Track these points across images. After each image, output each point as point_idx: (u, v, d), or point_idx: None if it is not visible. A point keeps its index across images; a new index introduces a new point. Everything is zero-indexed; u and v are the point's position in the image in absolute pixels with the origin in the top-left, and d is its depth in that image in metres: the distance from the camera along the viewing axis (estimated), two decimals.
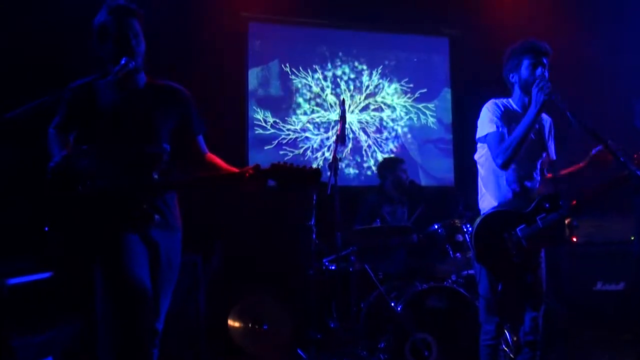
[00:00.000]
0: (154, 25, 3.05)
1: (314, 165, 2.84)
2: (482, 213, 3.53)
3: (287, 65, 6.50)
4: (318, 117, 6.55)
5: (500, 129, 3.40)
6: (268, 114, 6.38)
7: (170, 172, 2.91)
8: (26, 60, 4.93)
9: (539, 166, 3.57)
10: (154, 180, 2.78)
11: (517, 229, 3.36)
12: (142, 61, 2.92)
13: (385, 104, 6.81)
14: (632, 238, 5.77)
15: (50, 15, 4.95)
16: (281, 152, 6.29)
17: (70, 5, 4.59)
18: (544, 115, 3.61)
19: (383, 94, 6.81)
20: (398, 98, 6.86)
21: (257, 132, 6.31)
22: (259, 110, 6.36)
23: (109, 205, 2.70)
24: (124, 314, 2.60)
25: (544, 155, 3.55)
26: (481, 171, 3.61)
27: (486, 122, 3.47)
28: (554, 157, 3.62)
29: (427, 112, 6.95)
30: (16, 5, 5.00)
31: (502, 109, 3.47)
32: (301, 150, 6.45)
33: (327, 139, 6.55)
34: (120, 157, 2.79)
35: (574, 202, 3.37)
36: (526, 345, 3.45)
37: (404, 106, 6.87)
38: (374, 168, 6.56)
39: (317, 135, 6.51)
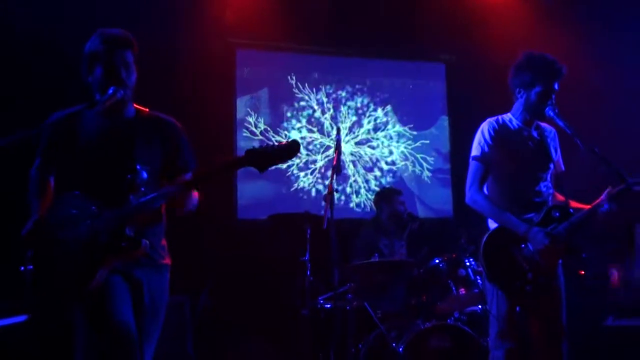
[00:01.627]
0: (141, 52, 2.98)
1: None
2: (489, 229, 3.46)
3: (277, 93, 6.46)
4: (309, 145, 6.48)
5: (483, 160, 3.39)
6: (256, 144, 6.28)
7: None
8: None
9: (548, 178, 3.53)
10: (132, 204, 2.69)
11: (528, 242, 3.28)
12: (132, 92, 2.90)
13: (380, 131, 6.80)
14: None
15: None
16: (272, 186, 6.19)
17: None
18: (546, 126, 3.58)
19: (378, 121, 6.80)
20: (394, 126, 6.84)
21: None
22: (247, 139, 6.31)
23: (92, 245, 2.65)
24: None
25: (551, 166, 3.50)
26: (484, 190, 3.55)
27: (476, 144, 3.48)
28: (563, 169, 3.59)
29: (424, 141, 6.93)
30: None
31: (498, 129, 3.44)
32: (294, 189, 6.37)
33: (318, 168, 6.47)
34: (99, 191, 2.74)
35: (594, 203, 3.32)
36: None
37: (401, 134, 6.85)
38: (368, 197, 6.52)
39: (307, 171, 6.44)
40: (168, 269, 2.94)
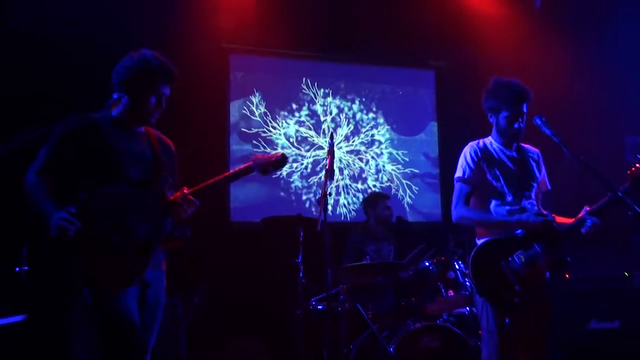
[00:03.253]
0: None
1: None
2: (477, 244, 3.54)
3: (270, 97, 6.54)
4: (301, 150, 6.61)
5: (467, 181, 3.52)
6: (249, 147, 6.40)
7: None
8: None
9: (532, 196, 3.61)
10: (168, 227, 2.98)
11: (515, 255, 3.37)
12: None
13: (370, 137, 6.90)
14: (627, 275, 5.88)
15: None
16: (264, 189, 6.31)
17: None
18: (529, 147, 3.72)
19: (369, 127, 6.90)
20: (384, 131, 6.94)
21: (238, 166, 6.29)
22: (240, 143, 6.39)
23: (125, 250, 2.84)
24: (117, 354, 2.74)
25: (535, 185, 3.61)
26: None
27: (459, 166, 3.62)
28: (549, 188, 3.71)
29: (414, 146, 7.04)
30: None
31: (479, 153, 3.58)
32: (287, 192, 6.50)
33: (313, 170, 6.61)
34: (142, 200, 2.95)
35: (579, 216, 3.39)
36: None
37: (390, 139, 6.95)
38: (357, 201, 6.64)
39: (297, 173, 6.58)
40: (165, 273, 3.14)
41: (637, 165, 3.37)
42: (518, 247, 3.39)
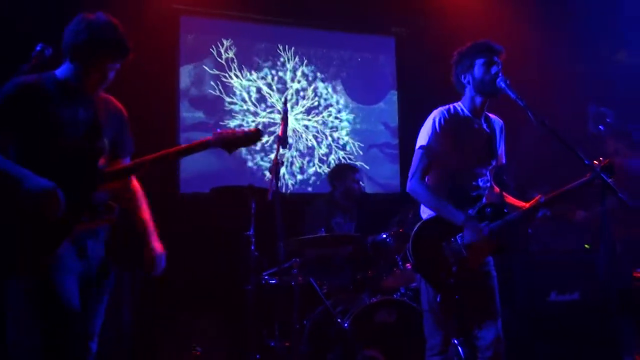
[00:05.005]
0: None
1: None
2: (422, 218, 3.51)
3: (223, 62, 6.33)
4: (255, 119, 6.41)
5: (429, 151, 3.40)
6: (201, 115, 6.19)
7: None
8: None
9: (487, 174, 3.57)
10: (100, 169, 2.85)
11: (457, 236, 3.34)
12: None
13: (328, 105, 6.77)
14: (587, 246, 5.88)
15: None
16: (215, 158, 6.08)
17: None
18: (495, 118, 3.63)
19: (326, 94, 6.77)
20: (342, 99, 6.82)
21: (188, 134, 6.12)
22: (191, 110, 6.18)
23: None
24: (53, 341, 2.64)
25: (494, 162, 3.56)
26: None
27: (423, 133, 3.47)
28: (504, 162, 3.66)
29: (373, 115, 6.93)
30: None
31: (449, 118, 3.45)
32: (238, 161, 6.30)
33: (266, 142, 6.41)
34: (76, 170, 2.80)
35: (529, 205, 3.38)
36: None
37: (349, 108, 6.84)
38: (315, 172, 6.53)
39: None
40: (108, 245, 3.02)
41: (602, 158, 3.32)
42: (462, 229, 3.34)
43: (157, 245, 3.16)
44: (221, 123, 6.23)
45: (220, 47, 6.33)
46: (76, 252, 2.82)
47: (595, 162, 3.25)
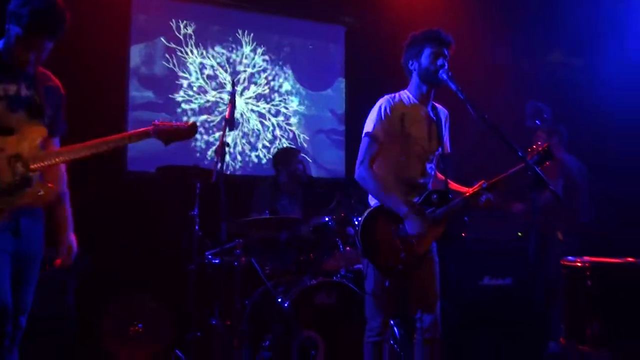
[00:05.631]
0: None
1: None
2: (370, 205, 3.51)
3: (173, 43, 6.18)
4: (204, 100, 6.27)
5: (376, 138, 3.41)
6: (151, 94, 6.04)
7: None
8: None
9: (434, 161, 3.58)
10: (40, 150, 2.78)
11: (405, 224, 3.34)
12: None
13: (277, 89, 6.69)
14: (520, 234, 5.97)
15: None
16: None
17: None
18: (441, 108, 3.63)
19: (276, 79, 6.70)
20: (291, 85, 6.76)
21: (137, 113, 5.96)
22: (141, 89, 6.01)
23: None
24: None
25: (440, 149, 3.55)
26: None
27: (370, 120, 3.47)
28: (449, 150, 3.65)
29: (320, 101, 6.88)
30: None
31: (394, 106, 3.45)
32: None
33: (212, 121, 6.30)
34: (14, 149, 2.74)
35: (472, 191, 3.40)
36: (425, 343, 3.44)
37: (297, 93, 6.78)
38: (261, 155, 6.47)
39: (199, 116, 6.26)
40: (43, 220, 2.96)
41: (540, 143, 3.39)
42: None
43: (74, 242, 3.08)
44: (170, 96, 6.10)
45: (180, 22, 6.20)
46: (10, 230, 2.75)
47: (529, 149, 3.31)
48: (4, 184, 2.67)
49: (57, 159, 2.82)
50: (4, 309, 2.65)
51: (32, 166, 2.73)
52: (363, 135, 3.47)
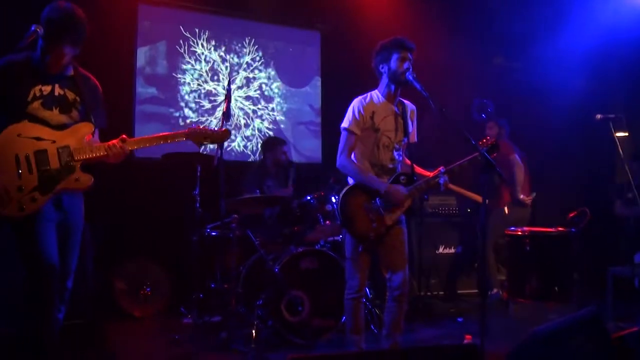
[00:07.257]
0: (45, 2, 2.92)
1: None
2: (348, 183, 3.65)
3: (174, 46, 6.25)
4: (200, 95, 6.38)
5: (352, 132, 3.54)
6: (154, 90, 6.12)
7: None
8: None
9: (400, 149, 3.70)
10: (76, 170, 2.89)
11: (377, 199, 3.50)
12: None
13: (263, 87, 6.76)
14: (469, 210, 6.22)
15: None
16: (167, 128, 6.05)
17: None
18: (408, 103, 3.75)
19: (262, 78, 6.76)
20: (274, 82, 6.84)
21: (143, 107, 6.06)
22: (145, 86, 6.10)
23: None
24: (35, 283, 2.77)
25: (406, 139, 3.69)
26: None
27: (346, 117, 3.61)
28: (416, 140, 3.78)
29: (300, 97, 7.00)
30: None
31: (366, 105, 3.59)
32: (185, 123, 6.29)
33: (210, 114, 6.41)
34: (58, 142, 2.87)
35: (433, 174, 3.53)
36: (394, 300, 3.56)
37: (280, 90, 6.87)
38: (253, 141, 6.60)
39: (196, 111, 6.35)
40: (82, 199, 3.09)
41: (488, 137, 3.49)
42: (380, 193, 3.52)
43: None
44: (171, 92, 6.19)
45: (180, 28, 6.28)
46: (54, 205, 2.88)
47: (480, 142, 3.41)
48: (53, 170, 2.83)
49: (96, 154, 2.92)
50: (52, 269, 2.79)
51: (76, 157, 2.88)
52: (341, 130, 3.61)
